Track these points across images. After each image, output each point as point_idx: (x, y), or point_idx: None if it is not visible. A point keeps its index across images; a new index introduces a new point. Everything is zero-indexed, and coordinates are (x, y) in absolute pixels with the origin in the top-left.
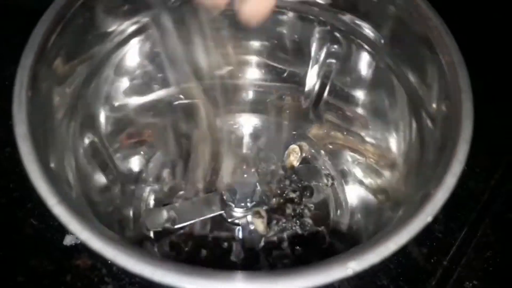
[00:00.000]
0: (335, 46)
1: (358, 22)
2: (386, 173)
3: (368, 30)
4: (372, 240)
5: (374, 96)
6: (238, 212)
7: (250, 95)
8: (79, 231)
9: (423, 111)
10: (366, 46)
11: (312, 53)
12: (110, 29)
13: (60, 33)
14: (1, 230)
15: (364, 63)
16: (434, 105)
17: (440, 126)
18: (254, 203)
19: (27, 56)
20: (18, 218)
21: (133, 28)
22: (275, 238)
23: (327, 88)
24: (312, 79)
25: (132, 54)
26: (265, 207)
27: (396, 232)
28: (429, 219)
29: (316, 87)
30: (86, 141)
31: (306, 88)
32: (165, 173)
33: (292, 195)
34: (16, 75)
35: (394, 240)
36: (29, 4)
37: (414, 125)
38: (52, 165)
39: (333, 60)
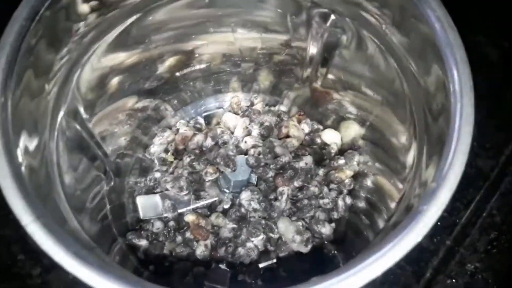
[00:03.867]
0: (336, 30)
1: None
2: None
3: (370, 16)
4: (360, 258)
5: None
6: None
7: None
8: (54, 253)
9: (424, 106)
10: (367, 32)
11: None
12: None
13: (35, 31)
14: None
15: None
16: (435, 100)
17: (440, 121)
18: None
19: None
20: None
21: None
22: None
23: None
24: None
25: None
26: (258, 195)
27: (383, 253)
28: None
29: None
30: (70, 135)
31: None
32: (160, 157)
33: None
34: None
35: (379, 263)
36: None
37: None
38: (30, 172)
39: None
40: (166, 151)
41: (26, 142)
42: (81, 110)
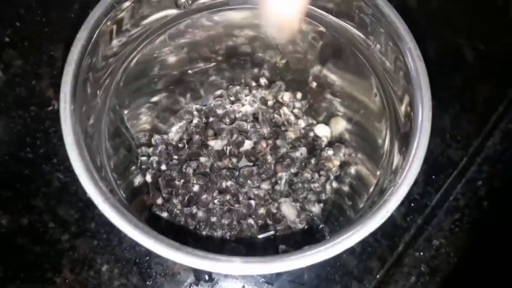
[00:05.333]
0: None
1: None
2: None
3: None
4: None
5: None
6: None
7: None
8: (121, 226)
9: (397, 118)
10: (356, 51)
11: None
12: (135, 32)
13: (92, 52)
14: (31, 183)
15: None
16: (404, 114)
17: (407, 127)
18: None
19: (67, 73)
20: (46, 172)
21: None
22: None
23: None
24: None
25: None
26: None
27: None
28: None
29: None
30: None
31: None
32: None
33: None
34: (60, 92)
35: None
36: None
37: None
38: (95, 164)
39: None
40: (181, 139)
41: (87, 136)
42: (117, 103)
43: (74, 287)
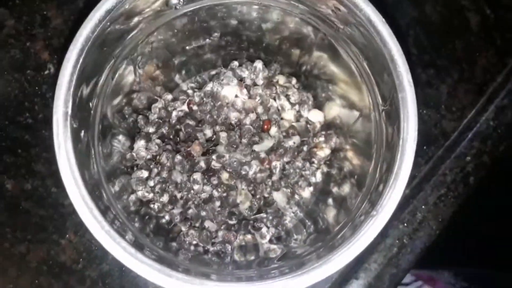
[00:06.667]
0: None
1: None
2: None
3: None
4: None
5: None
6: None
7: None
8: (114, 251)
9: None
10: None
11: None
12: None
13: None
14: (32, 148)
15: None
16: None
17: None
18: None
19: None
20: (46, 137)
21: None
22: None
23: None
24: None
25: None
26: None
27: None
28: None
29: None
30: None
31: None
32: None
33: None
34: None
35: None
36: None
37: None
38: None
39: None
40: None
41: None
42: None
43: (79, 248)
